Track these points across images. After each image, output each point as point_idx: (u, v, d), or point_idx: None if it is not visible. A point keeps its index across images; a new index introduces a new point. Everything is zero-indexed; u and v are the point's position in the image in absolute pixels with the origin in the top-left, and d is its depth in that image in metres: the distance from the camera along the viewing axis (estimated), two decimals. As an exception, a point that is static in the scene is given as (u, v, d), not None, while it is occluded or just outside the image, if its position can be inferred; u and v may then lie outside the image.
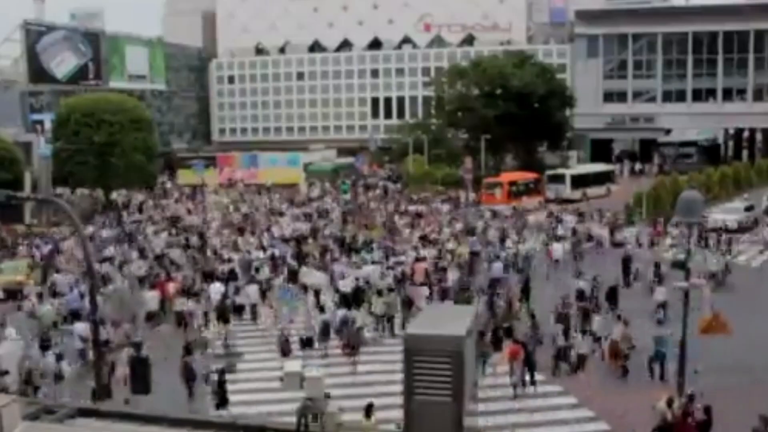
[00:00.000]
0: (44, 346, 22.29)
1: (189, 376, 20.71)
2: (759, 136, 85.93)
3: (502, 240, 38.51)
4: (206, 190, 63.81)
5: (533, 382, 20.87)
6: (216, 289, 28.82)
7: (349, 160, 76.32)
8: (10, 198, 26.48)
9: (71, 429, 7.81)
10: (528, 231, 42.09)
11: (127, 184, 61.77)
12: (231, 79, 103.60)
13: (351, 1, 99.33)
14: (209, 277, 31.11)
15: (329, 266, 32.21)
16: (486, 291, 28.45)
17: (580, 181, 60.36)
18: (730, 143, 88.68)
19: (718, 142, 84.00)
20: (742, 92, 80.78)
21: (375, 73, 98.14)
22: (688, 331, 19.36)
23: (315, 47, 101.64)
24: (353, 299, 27.55)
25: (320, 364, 21.29)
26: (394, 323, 26.24)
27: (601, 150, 79.90)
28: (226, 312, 27.07)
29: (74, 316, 26.36)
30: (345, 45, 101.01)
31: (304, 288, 30.33)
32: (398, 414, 7.42)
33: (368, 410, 15.75)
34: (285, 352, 22.79)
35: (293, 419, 15.35)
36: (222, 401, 19.08)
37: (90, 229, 45.35)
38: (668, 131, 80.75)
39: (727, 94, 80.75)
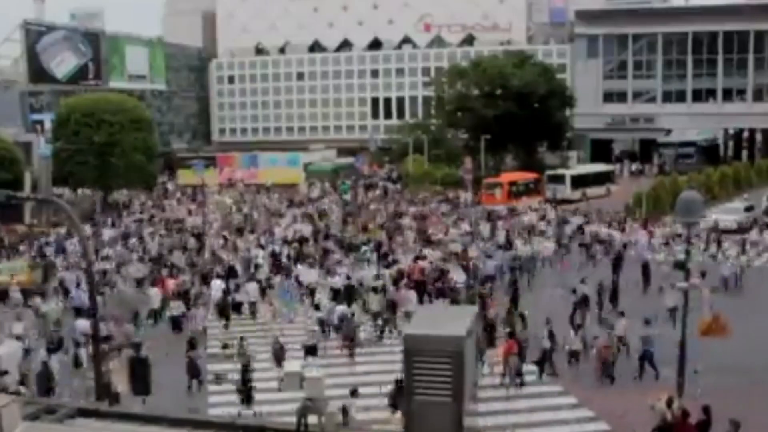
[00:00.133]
0: (52, 349, 22.07)
1: (194, 371, 21.30)
2: (759, 137, 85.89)
3: (509, 244, 37.57)
4: (207, 191, 63.76)
5: (522, 380, 21.27)
6: (217, 286, 29.07)
7: (349, 160, 76.27)
8: (10, 198, 26.52)
9: (71, 429, 7.81)
10: (520, 231, 41.95)
11: (127, 184, 61.78)
12: (231, 79, 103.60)
13: (351, 1, 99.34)
14: (208, 279, 30.78)
15: (332, 269, 31.90)
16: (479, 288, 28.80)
17: (580, 182, 60.36)
18: (730, 143, 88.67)
19: (717, 143, 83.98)
20: (742, 92, 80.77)
21: (375, 73, 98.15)
22: (687, 331, 19.41)
23: (315, 47, 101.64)
24: (346, 296, 27.87)
25: (319, 364, 21.28)
26: (389, 321, 26.35)
27: (601, 150, 79.90)
28: (226, 309, 27.48)
29: (78, 312, 26.38)
30: (345, 45, 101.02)
31: (299, 283, 30.52)
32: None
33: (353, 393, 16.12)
34: (278, 359, 21.91)
35: (293, 419, 15.33)
36: (247, 399, 19.15)
37: (91, 227, 45.65)
38: (668, 131, 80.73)
39: (727, 95, 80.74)
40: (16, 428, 7.27)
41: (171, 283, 29.70)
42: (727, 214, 44.98)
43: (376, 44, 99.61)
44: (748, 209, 47.06)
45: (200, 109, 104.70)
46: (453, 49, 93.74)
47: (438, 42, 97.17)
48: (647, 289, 30.69)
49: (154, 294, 28.41)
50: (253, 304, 28.54)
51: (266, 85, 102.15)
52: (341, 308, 25.87)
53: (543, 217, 47.62)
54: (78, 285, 29.43)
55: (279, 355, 22.05)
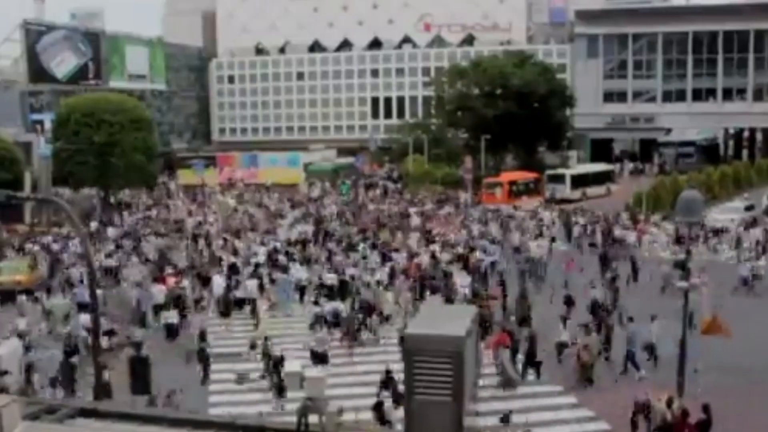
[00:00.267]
0: (69, 352, 21.89)
1: (204, 361, 22.12)
2: (759, 136, 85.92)
3: (517, 248, 36.76)
4: (209, 191, 63.74)
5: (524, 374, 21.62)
6: (219, 282, 29.40)
7: (349, 160, 76.27)
8: (10, 198, 26.51)
9: (71, 429, 7.81)
10: (511, 231, 41.86)
11: (127, 184, 61.78)
12: (231, 79, 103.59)
13: (351, 1, 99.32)
14: (207, 282, 30.56)
15: (339, 269, 31.87)
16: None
17: (580, 181, 60.39)
18: (730, 143, 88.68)
19: (717, 142, 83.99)
20: (742, 92, 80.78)
21: (375, 73, 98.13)
22: (687, 330, 19.42)
23: (315, 47, 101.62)
24: (340, 293, 28.25)
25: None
26: (364, 323, 26.44)
27: (601, 150, 79.91)
28: (228, 306, 27.80)
29: (82, 307, 26.44)
30: (345, 45, 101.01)
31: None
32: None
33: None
34: (274, 367, 20.97)
35: (293, 419, 15.32)
36: (280, 391, 19.29)
37: (94, 225, 45.82)
38: (668, 131, 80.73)
39: (727, 94, 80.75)
40: (16, 428, 7.27)
41: (172, 281, 29.89)
42: (728, 213, 45.03)
43: (376, 44, 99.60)
44: (749, 209, 47.09)
45: (200, 109, 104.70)
46: (453, 49, 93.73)
47: (438, 42, 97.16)
48: (636, 286, 30.85)
49: (157, 291, 28.51)
50: (252, 301, 28.70)
51: (266, 85, 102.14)
52: (334, 304, 26.27)
53: (535, 215, 47.61)
54: (82, 281, 29.51)
55: (269, 365, 21.19)
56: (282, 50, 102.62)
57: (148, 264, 34.36)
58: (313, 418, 15.82)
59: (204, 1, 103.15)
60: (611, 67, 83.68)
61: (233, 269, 32.21)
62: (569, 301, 26.34)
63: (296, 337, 25.24)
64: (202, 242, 39.59)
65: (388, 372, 19.45)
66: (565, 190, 59.09)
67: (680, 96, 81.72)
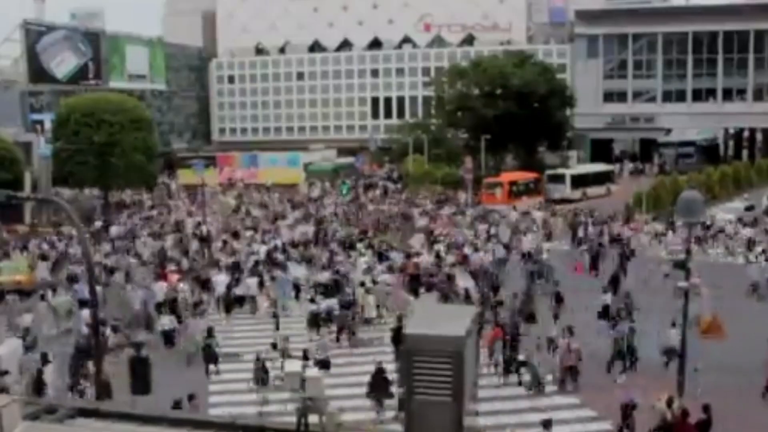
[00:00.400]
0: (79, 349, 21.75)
1: (210, 358, 22.45)
2: (759, 136, 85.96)
3: (529, 253, 36.22)
4: (210, 191, 63.63)
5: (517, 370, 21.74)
6: (222, 280, 29.71)
7: (349, 160, 76.23)
8: (10, 198, 26.51)
9: (71, 429, 7.81)
10: (503, 230, 41.78)
11: (127, 184, 61.79)
12: (231, 79, 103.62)
13: (351, 1, 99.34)
14: (206, 285, 30.42)
15: (341, 270, 31.94)
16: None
17: (580, 181, 60.44)
18: (730, 143, 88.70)
19: (717, 142, 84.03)
20: (742, 92, 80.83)
21: (375, 73, 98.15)
22: (686, 331, 19.41)
23: (315, 47, 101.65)
24: (334, 290, 28.58)
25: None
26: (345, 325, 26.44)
27: (601, 150, 79.94)
28: (231, 304, 28.11)
29: (83, 304, 26.49)
30: (345, 45, 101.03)
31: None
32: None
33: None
34: (262, 381, 20.60)
35: (293, 419, 15.33)
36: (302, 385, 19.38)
37: (98, 224, 45.86)
38: (668, 131, 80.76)
39: (727, 94, 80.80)
40: (16, 428, 7.26)
41: (174, 278, 30.11)
42: (728, 213, 45.06)
43: (376, 44, 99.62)
44: (749, 209, 47.11)
45: (200, 109, 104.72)
46: (453, 49, 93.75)
47: (438, 42, 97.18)
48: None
49: (159, 288, 28.62)
50: (252, 298, 29.01)
51: (266, 85, 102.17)
52: (330, 302, 26.62)
53: (527, 213, 47.56)
54: (83, 278, 29.64)
55: (261, 377, 20.80)
56: (282, 50, 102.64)
57: (147, 265, 34.33)
58: (313, 418, 15.90)
59: (204, 1, 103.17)
60: (611, 67, 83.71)
61: (235, 267, 32.45)
62: (558, 298, 26.82)
63: (295, 336, 25.26)
64: (196, 243, 39.34)
65: (380, 368, 19.49)
66: (565, 190, 59.15)
67: (680, 96, 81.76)
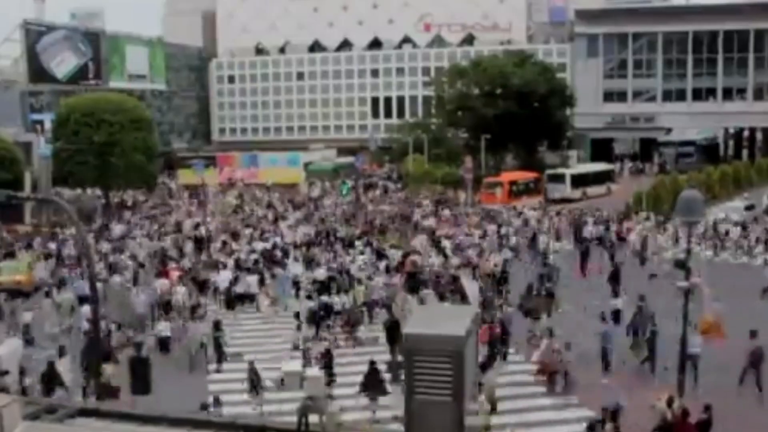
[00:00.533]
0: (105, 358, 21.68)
1: (219, 351, 22.85)
2: (759, 136, 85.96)
3: (544, 254, 35.54)
4: (214, 191, 63.63)
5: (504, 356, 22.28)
6: (224, 277, 30.00)
7: (349, 159, 76.29)
8: (10, 198, 26.55)
9: (71, 429, 7.81)
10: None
11: (127, 184, 61.80)
12: (231, 79, 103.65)
13: (351, 1, 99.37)
14: (204, 287, 30.11)
15: (343, 270, 31.88)
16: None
17: (580, 181, 60.43)
18: (731, 142, 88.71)
19: (717, 142, 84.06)
20: (742, 91, 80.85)
21: (375, 73, 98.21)
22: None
23: (315, 47, 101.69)
24: (329, 287, 28.88)
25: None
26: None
27: (601, 149, 79.94)
28: (232, 301, 28.36)
29: (83, 300, 26.55)
30: (345, 45, 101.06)
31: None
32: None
33: None
34: (255, 387, 19.85)
35: (293, 419, 15.35)
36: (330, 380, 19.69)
37: (99, 222, 45.95)
38: (668, 130, 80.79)
39: (728, 94, 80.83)
40: (17, 428, 7.26)
41: (176, 275, 30.22)
42: (728, 213, 45.04)
43: (376, 44, 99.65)
44: (749, 208, 47.08)
45: (200, 109, 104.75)
46: (453, 49, 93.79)
47: (438, 42, 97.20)
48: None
49: (161, 285, 28.70)
50: (252, 296, 29.22)
51: (266, 84, 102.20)
52: (324, 299, 26.87)
53: (520, 214, 47.52)
54: (83, 276, 29.69)
55: (254, 383, 20.05)
56: (282, 50, 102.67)
57: (142, 267, 34.11)
58: (313, 418, 15.92)
59: (204, 1, 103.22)
60: (611, 66, 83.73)
61: (236, 265, 32.56)
62: (549, 294, 27.13)
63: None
64: (193, 244, 39.09)
65: (373, 366, 19.54)
66: (566, 190, 59.14)
67: (680, 95, 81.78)
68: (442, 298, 27.28)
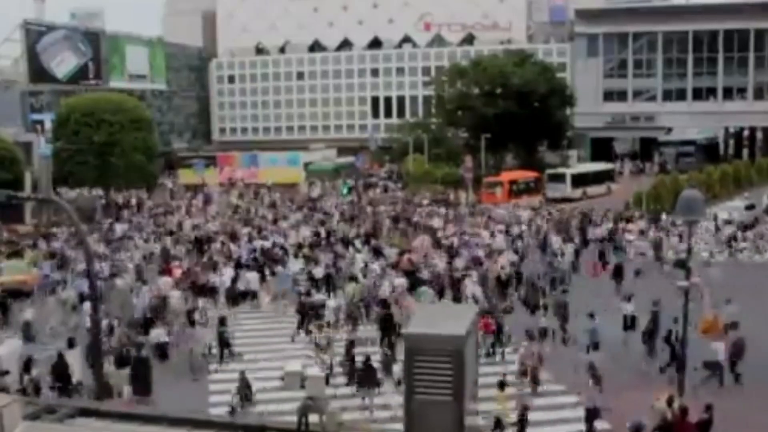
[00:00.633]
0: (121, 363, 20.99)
1: (225, 344, 23.21)
2: (759, 135, 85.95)
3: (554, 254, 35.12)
4: (219, 191, 63.50)
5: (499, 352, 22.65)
6: (227, 274, 30.20)
7: (350, 159, 76.30)
8: (10, 198, 26.55)
9: (71, 429, 7.81)
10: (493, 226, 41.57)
11: (128, 184, 61.75)
12: (231, 79, 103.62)
13: (351, 1, 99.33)
14: (201, 291, 29.41)
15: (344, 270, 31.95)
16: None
17: (580, 180, 60.43)
18: (731, 142, 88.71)
19: (717, 141, 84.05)
20: (742, 91, 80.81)
21: (375, 73, 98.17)
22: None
23: (315, 47, 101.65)
24: (325, 284, 29.34)
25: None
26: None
27: (601, 149, 79.94)
28: (236, 298, 28.61)
29: (84, 298, 26.57)
30: (345, 44, 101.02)
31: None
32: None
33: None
34: (246, 397, 19.46)
35: (293, 419, 15.34)
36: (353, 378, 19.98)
37: (104, 222, 46.30)
38: (669, 130, 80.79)
39: (728, 93, 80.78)
40: (17, 428, 7.26)
41: (178, 272, 30.34)
42: (728, 212, 45.03)
43: (376, 43, 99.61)
44: (749, 208, 47.06)
45: (200, 109, 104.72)
46: (453, 48, 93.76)
47: (438, 41, 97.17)
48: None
49: (164, 282, 28.70)
50: (254, 294, 29.32)
51: (266, 84, 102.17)
52: (321, 296, 27.27)
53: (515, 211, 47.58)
54: (86, 274, 29.77)
55: (244, 394, 19.57)
56: (282, 50, 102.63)
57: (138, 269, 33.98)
58: (313, 418, 15.91)
59: (204, 1, 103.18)
60: (611, 66, 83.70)
61: (237, 262, 32.71)
62: (543, 292, 27.87)
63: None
64: (192, 246, 38.79)
65: (367, 360, 19.60)
66: (566, 190, 59.13)
67: (680, 95, 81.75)
68: (441, 295, 27.37)
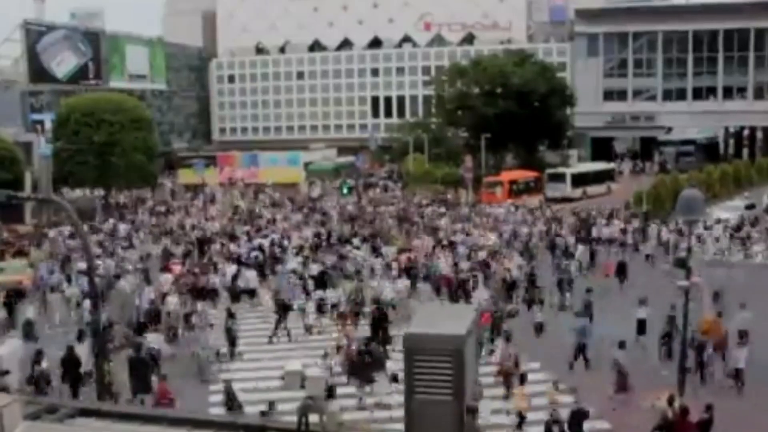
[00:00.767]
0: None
1: (231, 338, 23.42)
2: (759, 135, 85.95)
3: (566, 250, 34.86)
4: (214, 191, 63.49)
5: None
6: (230, 270, 30.35)
7: (350, 159, 76.31)
8: (10, 198, 26.54)
9: (71, 429, 7.81)
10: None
11: (128, 183, 61.77)
12: (231, 79, 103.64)
13: (351, 1, 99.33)
14: (200, 294, 28.94)
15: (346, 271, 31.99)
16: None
17: (580, 180, 60.44)
18: (731, 141, 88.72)
19: (717, 141, 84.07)
20: (742, 90, 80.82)
21: (375, 72, 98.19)
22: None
23: (315, 47, 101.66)
24: (321, 283, 29.20)
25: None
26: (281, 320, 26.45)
27: (601, 148, 79.95)
28: (237, 295, 28.84)
29: (85, 295, 26.65)
30: (345, 44, 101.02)
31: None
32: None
33: None
34: (230, 407, 18.77)
35: (294, 418, 15.33)
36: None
37: (111, 221, 46.49)
38: (669, 129, 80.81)
39: (728, 93, 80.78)
40: (17, 428, 7.26)
41: (178, 269, 30.50)
42: (728, 212, 45.01)
43: (376, 43, 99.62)
44: (749, 207, 47.06)
45: (200, 109, 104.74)
46: (453, 48, 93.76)
47: (438, 41, 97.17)
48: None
49: (165, 279, 28.82)
50: (253, 292, 29.39)
51: (266, 84, 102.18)
52: (321, 293, 27.42)
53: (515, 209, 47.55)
54: (86, 272, 29.85)
55: (230, 402, 18.91)
56: (282, 50, 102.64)
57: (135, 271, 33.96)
58: (313, 418, 15.90)
59: (204, 1, 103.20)
60: (611, 65, 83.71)
61: (237, 261, 32.77)
62: (531, 280, 28.62)
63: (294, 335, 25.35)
64: (191, 246, 38.74)
65: (360, 353, 19.68)
66: (566, 189, 59.13)
67: (680, 95, 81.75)
68: (446, 296, 27.42)
